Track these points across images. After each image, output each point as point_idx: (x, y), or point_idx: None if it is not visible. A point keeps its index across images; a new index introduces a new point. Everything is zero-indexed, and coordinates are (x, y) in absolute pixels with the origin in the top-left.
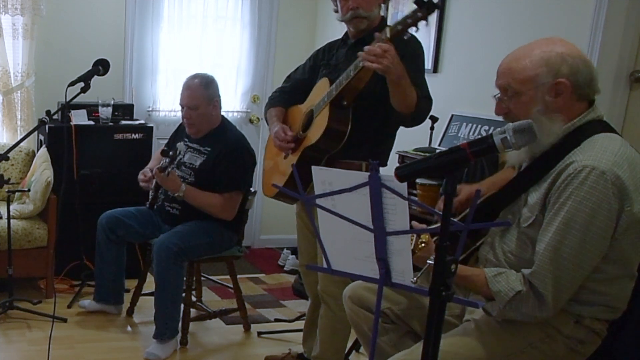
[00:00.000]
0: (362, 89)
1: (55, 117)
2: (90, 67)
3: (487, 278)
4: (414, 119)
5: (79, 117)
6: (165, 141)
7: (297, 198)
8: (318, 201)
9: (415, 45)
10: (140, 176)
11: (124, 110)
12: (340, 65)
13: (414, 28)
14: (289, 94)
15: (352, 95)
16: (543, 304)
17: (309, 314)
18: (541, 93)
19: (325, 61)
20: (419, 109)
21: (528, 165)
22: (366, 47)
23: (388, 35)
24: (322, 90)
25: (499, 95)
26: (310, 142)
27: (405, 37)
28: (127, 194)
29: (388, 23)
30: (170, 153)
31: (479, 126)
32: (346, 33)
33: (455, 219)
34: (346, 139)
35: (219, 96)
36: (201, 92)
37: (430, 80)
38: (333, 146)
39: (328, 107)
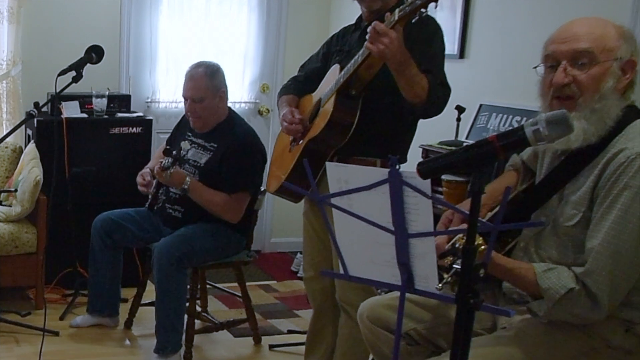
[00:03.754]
0: (374, 77)
1: (44, 109)
2: (82, 55)
3: (536, 273)
4: (427, 110)
5: (70, 110)
6: (166, 135)
7: (310, 197)
8: (333, 200)
9: (431, 27)
10: (139, 179)
11: (120, 101)
12: (353, 50)
13: (423, 10)
14: (302, 83)
15: (362, 84)
16: (596, 305)
17: (312, 326)
18: (616, 67)
19: (339, 47)
20: (433, 99)
21: (563, 159)
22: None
23: (396, 17)
24: (332, 78)
25: (560, 63)
26: (314, 133)
27: (412, 21)
28: (124, 194)
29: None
30: (174, 153)
31: (511, 117)
32: (360, 16)
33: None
34: (354, 132)
35: (226, 86)
36: (206, 82)
37: (456, 66)
38: (338, 139)
39: (334, 97)
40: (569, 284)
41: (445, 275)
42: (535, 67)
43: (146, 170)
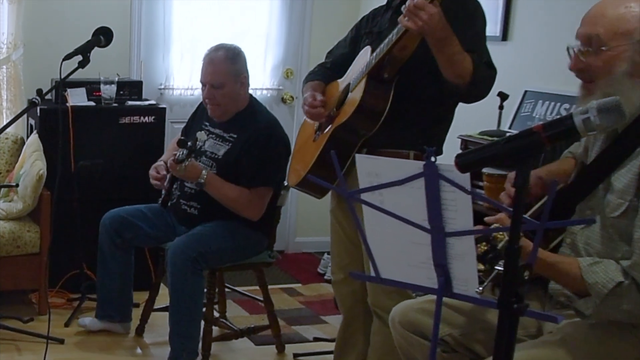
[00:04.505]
0: (409, 58)
1: (48, 97)
2: (89, 37)
3: (581, 268)
4: (470, 92)
5: (76, 97)
6: (181, 125)
7: (337, 192)
8: (363, 196)
9: (471, 4)
10: (153, 172)
11: (131, 88)
12: (384, 32)
13: None
14: (329, 69)
15: (395, 66)
16: None
17: (341, 333)
18: (632, 52)
19: (368, 29)
20: (477, 79)
21: (606, 147)
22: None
23: None
24: (362, 60)
25: (577, 46)
26: (341, 120)
27: None
28: (135, 190)
29: None
30: (189, 144)
31: (558, 104)
32: None
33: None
34: (385, 121)
35: (247, 71)
36: (227, 67)
37: (498, 49)
38: (368, 127)
39: (365, 80)
40: (617, 277)
41: (480, 265)
42: (568, 48)
43: (160, 163)
